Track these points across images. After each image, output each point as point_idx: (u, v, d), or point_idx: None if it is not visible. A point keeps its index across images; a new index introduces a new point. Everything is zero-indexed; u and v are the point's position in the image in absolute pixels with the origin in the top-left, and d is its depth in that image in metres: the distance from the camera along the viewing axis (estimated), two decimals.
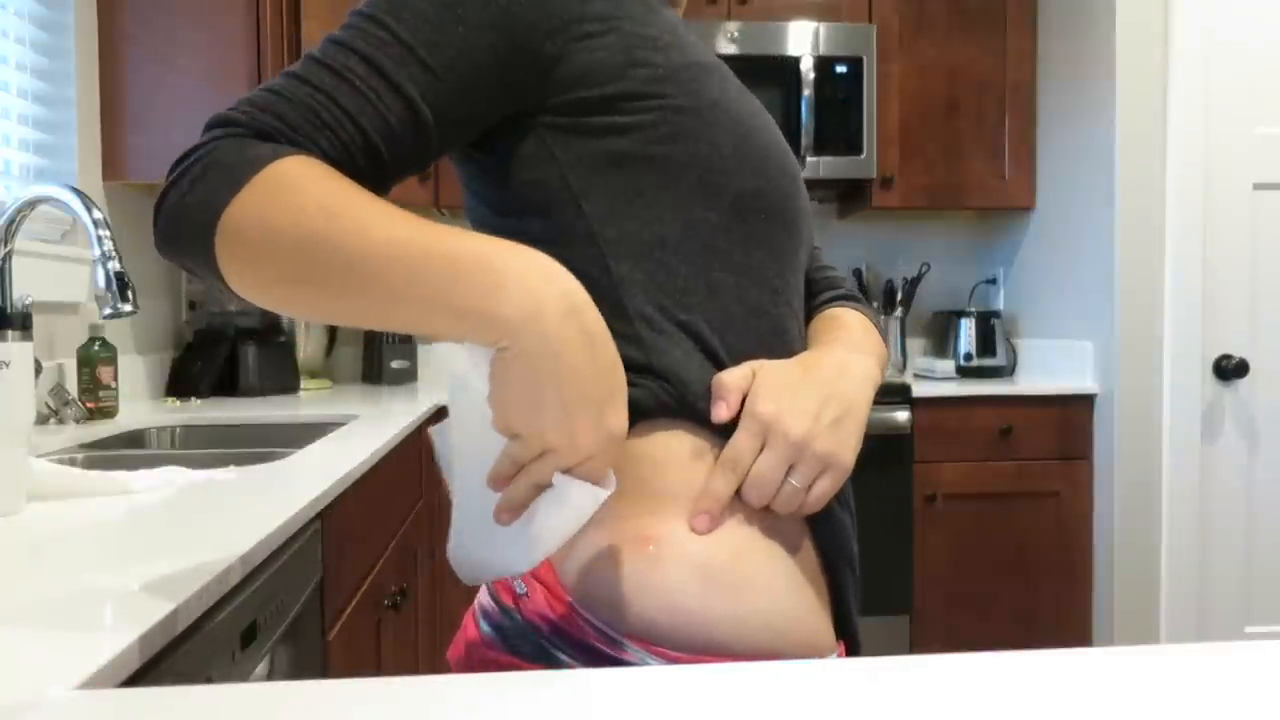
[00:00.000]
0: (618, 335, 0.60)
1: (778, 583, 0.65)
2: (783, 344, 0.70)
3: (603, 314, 0.58)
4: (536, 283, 0.55)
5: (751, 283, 0.69)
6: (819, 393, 0.65)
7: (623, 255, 0.66)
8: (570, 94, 0.64)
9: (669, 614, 0.62)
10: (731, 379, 0.65)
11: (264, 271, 0.57)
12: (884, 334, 0.84)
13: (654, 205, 0.66)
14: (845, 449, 0.65)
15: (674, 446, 0.66)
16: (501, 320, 0.54)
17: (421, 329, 0.57)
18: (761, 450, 0.64)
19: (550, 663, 0.64)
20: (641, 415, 0.65)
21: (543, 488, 0.57)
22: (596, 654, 0.62)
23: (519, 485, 0.58)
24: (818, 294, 0.83)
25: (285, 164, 0.57)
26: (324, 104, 0.60)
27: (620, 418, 0.57)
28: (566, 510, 0.57)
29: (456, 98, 0.62)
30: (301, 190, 0.56)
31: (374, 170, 0.62)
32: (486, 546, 0.61)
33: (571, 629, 0.63)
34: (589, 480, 0.57)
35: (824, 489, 0.64)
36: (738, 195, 0.67)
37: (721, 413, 0.64)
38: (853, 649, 0.72)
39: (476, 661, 0.68)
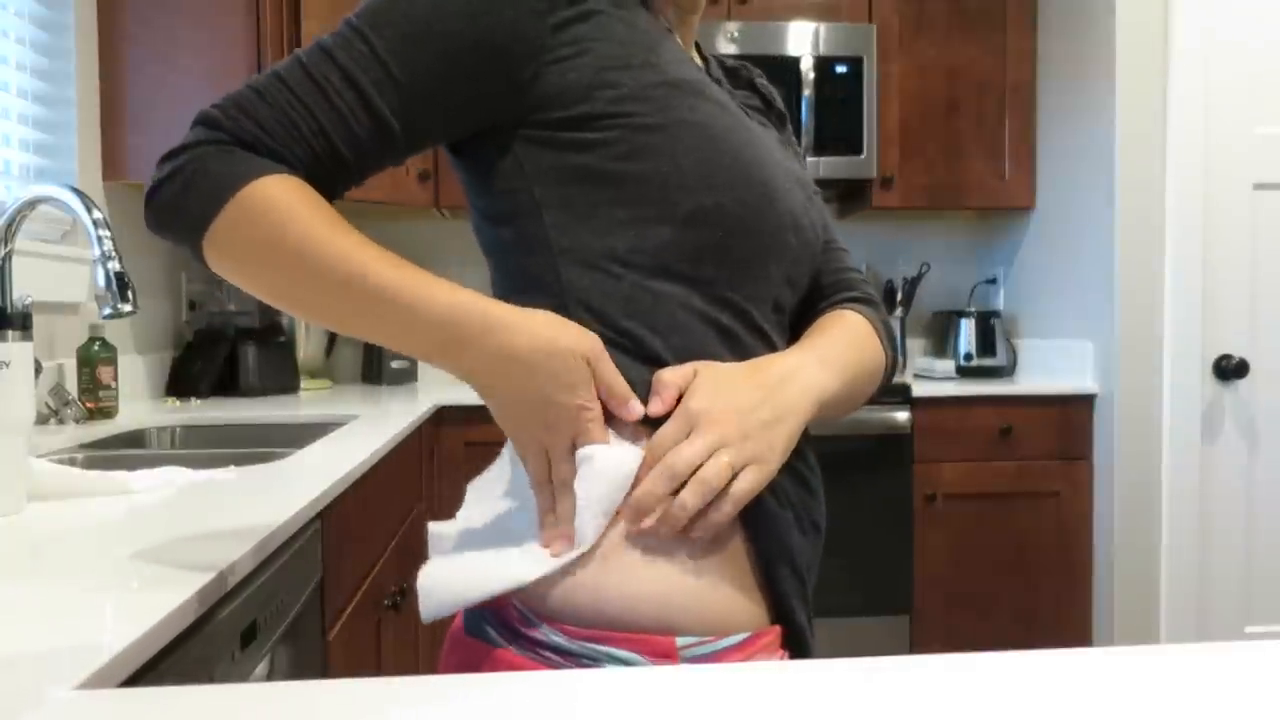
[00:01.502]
0: None
1: (679, 566, 0.66)
2: (734, 354, 0.71)
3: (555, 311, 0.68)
4: (470, 332, 0.64)
5: (700, 295, 0.70)
6: (755, 394, 0.67)
7: (572, 264, 0.70)
8: (543, 113, 0.69)
9: (565, 591, 0.66)
10: (671, 376, 0.67)
11: (246, 281, 0.67)
12: (891, 338, 0.83)
13: (607, 219, 0.69)
14: (771, 452, 0.66)
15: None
16: (455, 370, 0.66)
17: (393, 348, 0.67)
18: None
19: (484, 639, 0.68)
20: None
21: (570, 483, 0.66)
22: (514, 632, 0.67)
23: (558, 494, 0.66)
24: (830, 295, 0.83)
25: (265, 184, 0.64)
26: (301, 115, 0.66)
27: (570, 395, 0.64)
28: (593, 476, 0.64)
29: (424, 111, 0.68)
30: (279, 214, 0.64)
31: (339, 174, 0.69)
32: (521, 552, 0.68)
33: (501, 606, 0.68)
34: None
35: (750, 481, 0.65)
36: (694, 211, 0.69)
37: (655, 406, 0.67)
38: (799, 642, 0.72)
39: (452, 645, 0.73)
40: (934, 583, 2.67)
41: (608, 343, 0.68)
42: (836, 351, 0.75)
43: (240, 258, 0.65)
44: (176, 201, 0.65)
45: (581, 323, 0.68)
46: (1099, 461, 2.66)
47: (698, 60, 0.83)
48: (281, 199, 0.64)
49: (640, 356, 0.69)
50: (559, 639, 0.65)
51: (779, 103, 0.91)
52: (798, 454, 0.72)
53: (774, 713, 0.43)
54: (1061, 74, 2.83)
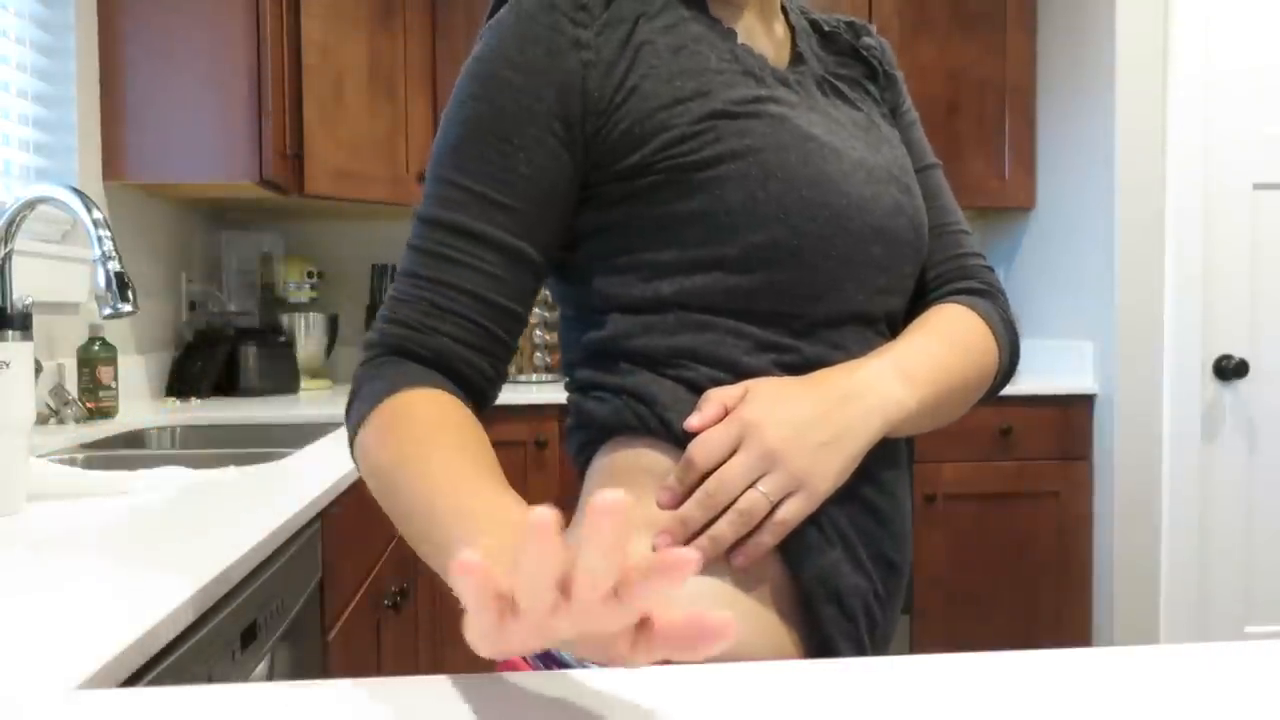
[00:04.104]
0: (603, 369, 0.69)
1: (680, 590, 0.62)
2: (798, 373, 0.67)
3: (595, 353, 0.69)
4: None
5: (754, 325, 0.67)
6: (811, 410, 0.62)
7: (620, 308, 0.69)
8: (601, 170, 0.67)
9: None
10: (719, 392, 0.64)
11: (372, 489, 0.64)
12: (1009, 332, 0.76)
13: (653, 265, 0.67)
14: (822, 474, 0.61)
15: (633, 459, 0.67)
16: None
17: None
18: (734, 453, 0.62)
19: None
20: (603, 430, 0.69)
21: None
22: None
23: None
24: (939, 286, 0.78)
25: (393, 402, 0.62)
26: (434, 290, 0.65)
27: None
28: None
29: (541, 217, 0.67)
30: (392, 438, 0.60)
31: (505, 319, 0.67)
32: None
33: None
34: None
35: (792, 511, 0.61)
36: (745, 250, 0.65)
37: (692, 421, 0.63)
38: None
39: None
40: (934, 583, 2.67)
41: (645, 369, 0.67)
42: (922, 359, 0.68)
43: (365, 473, 0.64)
44: (347, 419, 0.67)
45: (624, 357, 0.67)
46: (1099, 461, 2.66)
47: (778, 32, 0.76)
48: (400, 418, 0.61)
49: (684, 383, 0.66)
50: (556, 651, 0.62)
51: (887, 64, 0.81)
52: (868, 479, 0.66)
53: (775, 712, 0.43)
54: (1061, 74, 2.83)
